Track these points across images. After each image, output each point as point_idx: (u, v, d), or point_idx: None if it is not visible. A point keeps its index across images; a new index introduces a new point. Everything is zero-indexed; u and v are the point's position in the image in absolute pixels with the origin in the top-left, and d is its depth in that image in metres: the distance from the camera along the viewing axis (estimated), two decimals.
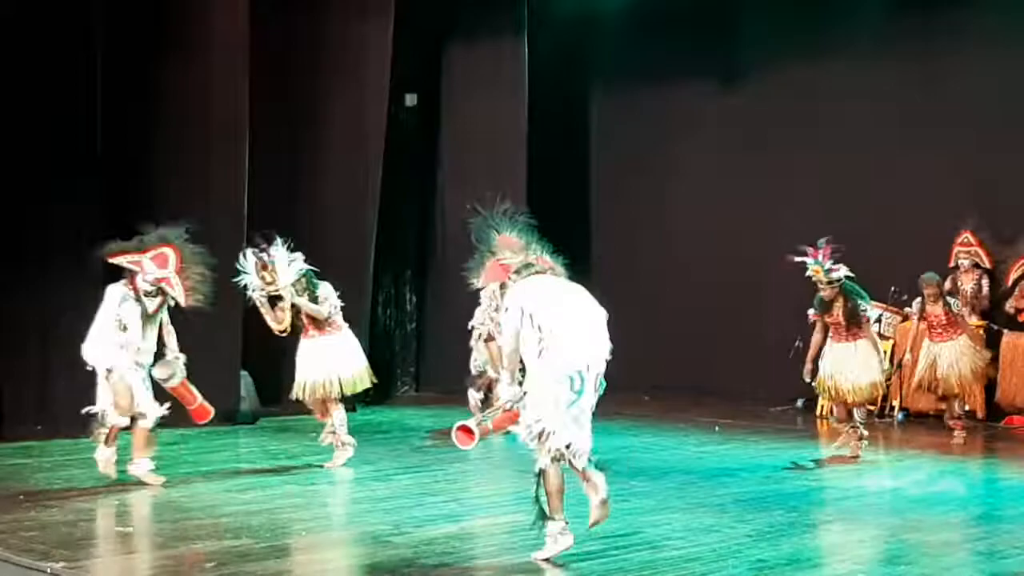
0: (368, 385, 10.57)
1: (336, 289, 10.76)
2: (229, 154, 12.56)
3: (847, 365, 10.61)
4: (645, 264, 15.65)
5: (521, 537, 7.78)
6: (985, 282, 12.97)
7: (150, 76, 12.44)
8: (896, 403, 13.08)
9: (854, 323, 10.60)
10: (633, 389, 14.75)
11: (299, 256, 10.26)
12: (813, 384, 10.93)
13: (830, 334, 10.73)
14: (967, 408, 12.57)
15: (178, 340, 10.31)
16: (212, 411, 9.97)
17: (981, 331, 12.69)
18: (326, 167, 13.95)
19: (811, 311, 10.80)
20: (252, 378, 12.69)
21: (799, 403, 13.57)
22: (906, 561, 7.46)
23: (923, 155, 13.52)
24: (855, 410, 10.91)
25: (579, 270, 17.15)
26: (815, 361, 10.77)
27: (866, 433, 10.80)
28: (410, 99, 15.27)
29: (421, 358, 15.56)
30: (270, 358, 12.32)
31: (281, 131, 13.45)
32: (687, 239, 15.29)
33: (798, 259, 10.69)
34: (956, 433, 11.82)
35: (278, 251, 10.21)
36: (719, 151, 15.00)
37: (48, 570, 7.05)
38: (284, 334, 10.36)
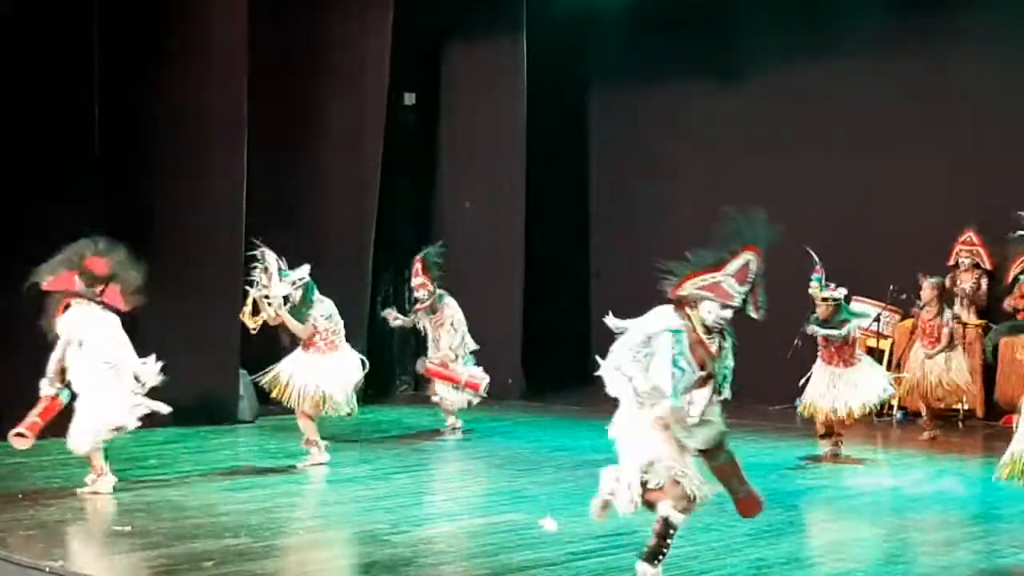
0: (341, 411, 10.52)
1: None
2: (228, 153, 12.55)
3: (837, 390, 10.64)
4: (644, 263, 15.55)
5: (519, 536, 7.80)
6: (984, 281, 12.96)
7: (149, 76, 12.44)
8: (895, 403, 13.07)
9: (845, 345, 10.66)
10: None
11: (298, 274, 10.32)
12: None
13: (820, 355, 10.78)
14: (967, 407, 12.60)
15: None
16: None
17: (979, 331, 12.68)
18: (325, 166, 13.95)
19: (811, 328, 10.82)
20: (250, 377, 12.67)
21: (798, 402, 13.55)
22: (905, 560, 7.47)
23: (923, 155, 13.52)
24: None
25: (578, 269, 17.23)
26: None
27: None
28: (409, 98, 15.27)
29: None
30: (269, 357, 12.30)
31: (280, 130, 13.45)
32: (686, 238, 15.19)
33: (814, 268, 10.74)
34: (925, 433, 11.86)
35: (275, 271, 10.26)
36: (719, 151, 14.99)
37: (47, 569, 7.04)
38: (253, 331, 10.45)
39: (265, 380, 10.59)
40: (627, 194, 15.85)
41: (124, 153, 12.26)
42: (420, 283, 12.15)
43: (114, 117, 12.10)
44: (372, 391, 14.41)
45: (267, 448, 11.39)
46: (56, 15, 11.67)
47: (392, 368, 15.44)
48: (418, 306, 12.29)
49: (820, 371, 10.79)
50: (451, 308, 12.25)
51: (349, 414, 10.65)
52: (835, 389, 10.61)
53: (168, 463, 10.43)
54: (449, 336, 12.24)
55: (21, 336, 11.67)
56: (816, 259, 10.75)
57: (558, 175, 15.75)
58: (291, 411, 11.70)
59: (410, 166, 15.30)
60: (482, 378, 12.29)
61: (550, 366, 14.95)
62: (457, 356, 12.26)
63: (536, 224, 14.98)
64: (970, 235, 12.96)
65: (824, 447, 10.85)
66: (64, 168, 11.70)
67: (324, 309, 10.38)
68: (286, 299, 10.27)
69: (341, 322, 10.55)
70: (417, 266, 12.18)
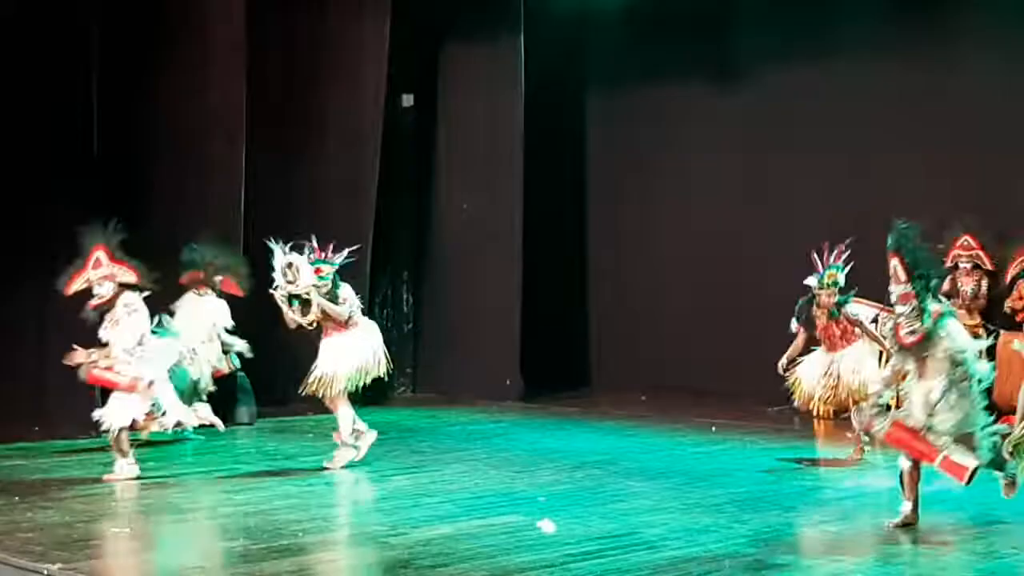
0: (375, 376, 10.47)
1: None
2: (226, 154, 12.58)
3: (848, 369, 10.63)
4: (642, 264, 15.64)
5: (517, 538, 7.80)
6: (984, 283, 12.95)
7: (149, 76, 12.46)
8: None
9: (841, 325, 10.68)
10: (630, 389, 14.77)
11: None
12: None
13: (822, 346, 10.77)
14: None
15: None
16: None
17: (980, 331, 12.68)
18: (323, 167, 13.96)
19: (796, 323, 10.83)
20: (249, 379, 12.68)
21: (796, 403, 13.56)
22: (903, 561, 7.47)
23: (923, 155, 13.50)
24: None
25: (576, 269, 17.20)
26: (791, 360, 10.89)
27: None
28: (406, 99, 15.25)
29: (418, 359, 15.54)
30: (267, 359, 12.33)
31: (278, 131, 13.46)
32: (684, 239, 15.28)
33: (809, 279, 10.76)
34: None
35: (302, 255, 10.26)
36: (718, 151, 14.98)
37: (45, 571, 7.05)
38: (312, 327, 10.32)
39: (312, 387, 10.34)
40: (625, 195, 15.85)
41: (123, 154, 12.28)
42: (104, 275, 9.93)
43: (113, 118, 12.12)
44: (369, 392, 14.41)
45: (265, 450, 11.38)
46: (56, 16, 11.68)
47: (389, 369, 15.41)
48: (93, 303, 10.00)
49: (820, 359, 10.77)
50: (129, 302, 9.99)
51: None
52: (837, 371, 10.61)
53: (166, 466, 10.42)
54: (123, 335, 9.93)
55: (20, 335, 11.71)
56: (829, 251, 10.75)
57: (556, 176, 15.75)
58: (290, 414, 11.74)
59: (408, 167, 15.29)
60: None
61: (548, 368, 14.96)
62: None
63: (534, 225, 14.98)
64: (967, 239, 12.93)
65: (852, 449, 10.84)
66: (63, 168, 11.71)
67: (348, 292, 10.41)
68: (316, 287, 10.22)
69: (357, 299, 10.54)
70: (99, 254, 10.02)
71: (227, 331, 11.89)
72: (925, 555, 7.60)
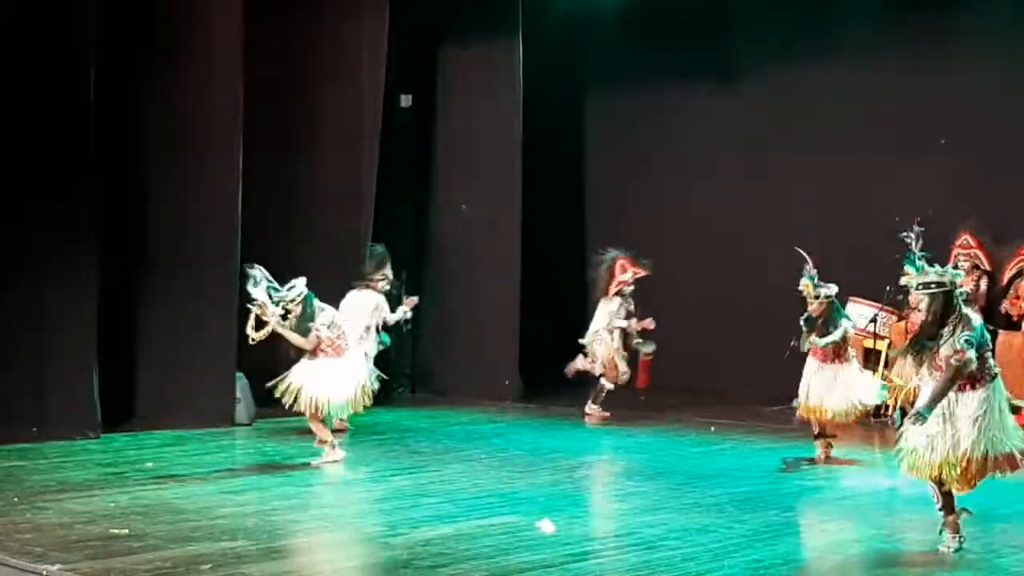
0: (348, 413, 10.82)
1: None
2: (224, 154, 12.55)
3: (829, 388, 10.65)
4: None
5: (517, 538, 7.80)
6: (983, 283, 12.96)
7: (146, 78, 12.45)
8: (891, 403, 13.07)
9: (837, 345, 10.67)
10: (629, 389, 14.77)
11: (296, 290, 10.38)
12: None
13: (813, 354, 10.78)
14: None
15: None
16: None
17: None
18: (322, 168, 13.95)
19: (811, 341, 10.83)
20: (248, 380, 12.67)
21: (795, 403, 13.53)
22: (901, 561, 7.47)
23: (922, 155, 13.52)
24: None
25: (575, 270, 17.21)
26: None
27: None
28: (405, 100, 15.24)
29: (417, 359, 15.54)
30: (266, 360, 12.30)
31: (276, 132, 13.45)
32: (682, 240, 15.29)
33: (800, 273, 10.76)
34: None
35: (265, 296, 10.33)
36: (716, 152, 15.00)
37: (44, 572, 7.05)
38: (253, 342, 10.47)
39: (279, 390, 10.56)
40: (624, 196, 15.85)
41: (121, 154, 12.27)
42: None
43: (111, 119, 12.09)
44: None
45: (264, 451, 11.37)
46: (55, 15, 11.66)
47: (388, 370, 15.39)
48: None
49: (815, 371, 10.78)
50: None
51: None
52: (832, 387, 10.62)
53: (165, 466, 10.42)
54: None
55: (19, 335, 11.69)
56: (807, 256, 10.74)
57: (554, 177, 15.75)
58: (290, 414, 11.75)
59: (406, 168, 15.28)
60: None
61: (547, 368, 14.95)
62: None
63: (532, 225, 14.99)
64: (967, 238, 12.94)
65: (818, 448, 10.86)
66: (61, 169, 11.69)
67: (324, 318, 10.43)
68: (286, 314, 10.32)
69: (343, 327, 10.64)
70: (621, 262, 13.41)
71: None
72: (925, 555, 7.59)
